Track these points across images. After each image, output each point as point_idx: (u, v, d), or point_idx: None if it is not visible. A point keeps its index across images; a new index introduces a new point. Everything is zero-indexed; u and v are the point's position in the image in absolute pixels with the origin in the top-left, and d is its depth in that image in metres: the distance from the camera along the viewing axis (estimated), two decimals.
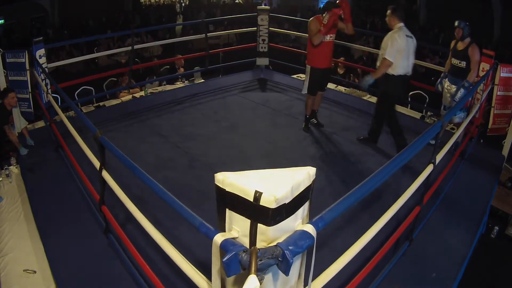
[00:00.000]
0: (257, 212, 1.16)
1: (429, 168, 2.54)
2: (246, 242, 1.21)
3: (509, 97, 4.44)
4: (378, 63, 4.16)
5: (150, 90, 6.07)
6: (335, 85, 6.33)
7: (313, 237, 1.21)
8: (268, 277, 1.20)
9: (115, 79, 6.42)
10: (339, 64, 6.90)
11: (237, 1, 19.74)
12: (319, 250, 1.28)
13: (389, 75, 4.05)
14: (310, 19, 4.47)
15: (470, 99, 4.18)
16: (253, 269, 1.06)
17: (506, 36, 11.58)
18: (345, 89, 6.21)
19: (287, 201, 1.17)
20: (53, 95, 4.56)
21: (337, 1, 4.29)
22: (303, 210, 1.30)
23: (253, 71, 6.90)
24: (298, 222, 1.27)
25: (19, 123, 4.58)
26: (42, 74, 4.57)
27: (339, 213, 1.42)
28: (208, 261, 1.30)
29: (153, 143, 4.57)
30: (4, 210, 3.38)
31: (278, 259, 1.11)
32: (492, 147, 4.65)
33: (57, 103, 4.17)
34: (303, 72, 5.09)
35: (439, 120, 2.49)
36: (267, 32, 6.57)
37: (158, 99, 5.82)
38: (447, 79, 4.36)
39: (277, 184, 1.18)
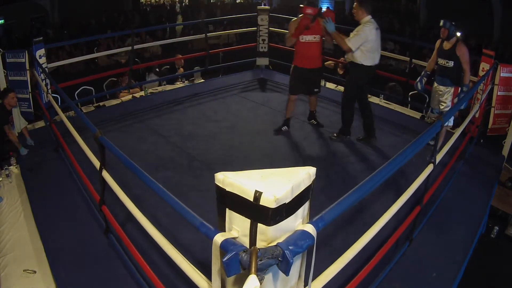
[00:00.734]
0: (257, 212, 1.15)
1: (429, 168, 2.54)
2: (246, 242, 1.21)
3: (509, 97, 4.45)
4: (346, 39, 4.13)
5: (150, 90, 6.08)
6: (335, 85, 6.34)
7: (313, 237, 1.21)
8: (268, 277, 1.19)
9: (115, 79, 6.41)
10: (339, 64, 6.90)
11: (238, 0, 19.73)
12: (319, 250, 1.28)
13: (358, 64, 4.20)
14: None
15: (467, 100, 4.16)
16: (253, 269, 1.06)
17: (506, 36, 11.56)
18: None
19: (287, 201, 1.17)
20: (53, 95, 4.56)
21: (308, 10, 4.27)
22: (303, 210, 1.30)
23: (253, 71, 6.90)
24: (298, 222, 1.27)
25: (19, 123, 4.58)
26: (42, 74, 4.58)
27: (339, 213, 1.42)
28: (208, 261, 1.30)
29: (153, 143, 4.57)
30: (4, 210, 3.38)
31: (278, 259, 1.11)
32: (492, 147, 4.65)
33: (57, 103, 4.17)
34: None
35: (439, 120, 2.49)
36: (267, 32, 6.58)
37: (158, 99, 5.82)
38: (435, 80, 4.31)
39: (277, 184, 1.18)
